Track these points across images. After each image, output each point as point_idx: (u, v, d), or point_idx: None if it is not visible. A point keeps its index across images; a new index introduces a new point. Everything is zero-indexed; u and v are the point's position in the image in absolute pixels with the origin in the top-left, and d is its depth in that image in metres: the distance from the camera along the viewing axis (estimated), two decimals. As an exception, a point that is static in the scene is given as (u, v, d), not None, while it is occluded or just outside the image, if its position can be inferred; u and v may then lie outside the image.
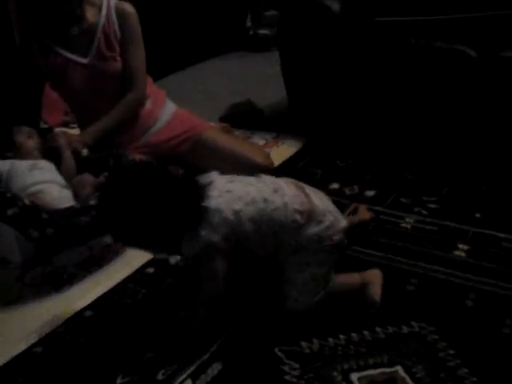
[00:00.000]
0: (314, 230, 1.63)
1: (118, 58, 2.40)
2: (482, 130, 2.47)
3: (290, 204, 1.61)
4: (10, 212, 1.81)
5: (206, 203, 1.53)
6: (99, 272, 1.98)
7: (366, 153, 2.71)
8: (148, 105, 2.50)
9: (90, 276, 1.97)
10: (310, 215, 1.63)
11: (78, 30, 2.36)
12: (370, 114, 2.69)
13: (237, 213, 1.55)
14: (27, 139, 2.31)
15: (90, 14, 2.37)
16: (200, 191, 1.54)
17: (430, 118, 2.56)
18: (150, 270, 1.98)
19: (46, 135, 2.41)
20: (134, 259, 2.03)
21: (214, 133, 2.52)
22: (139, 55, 2.42)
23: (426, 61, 2.51)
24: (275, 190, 1.63)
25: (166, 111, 2.53)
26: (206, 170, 2.32)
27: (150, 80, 2.56)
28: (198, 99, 3.52)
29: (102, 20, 2.37)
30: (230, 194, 1.58)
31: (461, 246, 2.05)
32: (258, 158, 2.42)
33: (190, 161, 2.50)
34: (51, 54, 2.36)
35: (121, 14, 2.39)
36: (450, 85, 2.48)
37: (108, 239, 2.05)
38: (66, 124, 3.16)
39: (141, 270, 1.98)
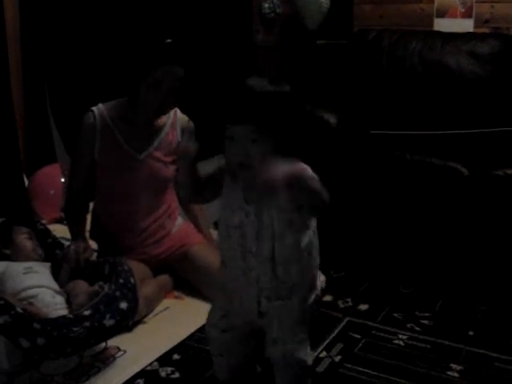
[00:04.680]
0: None
1: (170, 166, 2.47)
2: (474, 246, 2.50)
3: None
4: (1, 320, 1.79)
5: None
6: (87, 382, 1.93)
7: (360, 264, 2.73)
8: (168, 221, 2.55)
9: (77, 387, 1.93)
10: None
11: (145, 130, 2.43)
12: (364, 225, 2.73)
13: None
14: (26, 240, 2.33)
15: (159, 119, 2.45)
16: None
17: (423, 232, 2.60)
18: (140, 381, 1.95)
19: (42, 236, 2.43)
20: (123, 370, 2.00)
21: (201, 248, 2.53)
22: None
23: (419, 176, 2.58)
24: None
25: (175, 226, 2.58)
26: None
27: (173, 194, 2.59)
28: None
29: (167, 128, 2.47)
30: None
31: (454, 366, 2.04)
32: None
33: (178, 271, 2.55)
34: (112, 139, 2.39)
35: (186, 128, 2.50)
36: (442, 201, 2.53)
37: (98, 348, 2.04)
38: (62, 220, 3.18)
39: (130, 382, 1.94)
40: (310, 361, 1.68)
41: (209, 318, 1.75)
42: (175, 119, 2.50)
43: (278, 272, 1.55)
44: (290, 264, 1.56)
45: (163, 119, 2.47)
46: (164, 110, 2.41)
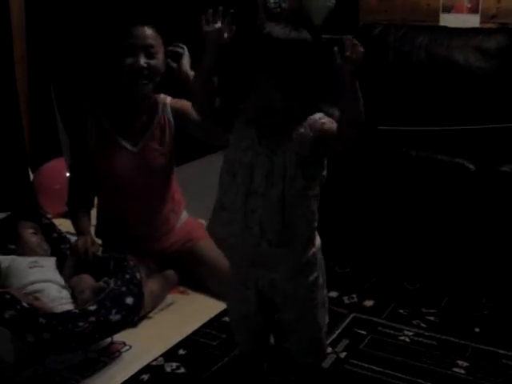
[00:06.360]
0: None
1: (166, 155, 2.45)
2: (480, 242, 2.49)
3: None
4: (7, 315, 1.79)
5: None
6: (93, 377, 1.94)
7: (365, 260, 2.72)
8: (172, 214, 2.54)
9: (82, 381, 1.92)
10: None
11: (137, 123, 2.42)
12: (370, 221, 2.72)
13: None
14: (32, 235, 2.33)
15: (150, 109, 2.44)
16: None
17: (429, 228, 2.59)
18: (145, 376, 1.95)
19: (47, 231, 2.44)
20: (129, 365, 2.00)
21: (207, 243, 2.49)
22: None
23: (425, 172, 2.57)
24: None
25: (180, 220, 2.58)
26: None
27: (176, 187, 2.60)
28: (197, 194, 3.50)
29: (158, 117, 2.45)
30: None
31: (460, 362, 2.03)
32: None
33: (183, 265, 2.54)
34: (105, 134, 2.39)
35: (176, 112, 2.47)
36: (448, 197, 2.53)
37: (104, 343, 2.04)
38: (67, 214, 3.17)
39: (136, 377, 1.95)
40: (324, 324, 1.69)
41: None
42: (165, 107, 2.47)
43: (286, 215, 1.52)
44: (297, 208, 1.53)
45: (153, 107, 2.45)
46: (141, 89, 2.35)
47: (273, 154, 1.52)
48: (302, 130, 1.53)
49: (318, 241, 1.65)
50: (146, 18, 2.38)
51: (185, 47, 2.43)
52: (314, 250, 1.62)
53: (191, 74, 2.36)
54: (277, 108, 1.49)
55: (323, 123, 1.53)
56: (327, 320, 1.72)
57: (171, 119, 2.47)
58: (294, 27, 1.49)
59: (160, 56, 2.34)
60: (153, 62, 2.31)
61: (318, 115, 1.55)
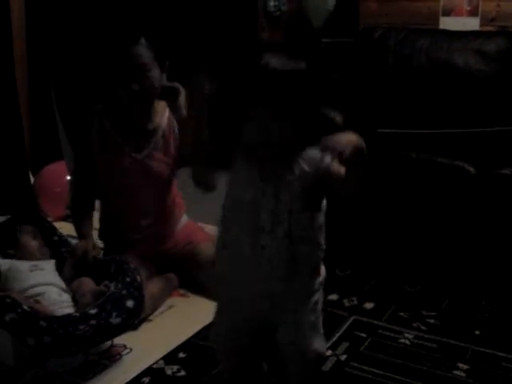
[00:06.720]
0: None
1: (170, 165, 2.45)
2: (480, 244, 2.49)
3: None
4: (7, 318, 1.79)
5: None
6: (93, 380, 1.94)
7: (366, 263, 2.73)
8: (173, 218, 2.55)
9: (83, 384, 1.93)
10: None
11: (141, 128, 2.42)
12: (370, 224, 2.73)
13: None
14: (31, 239, 2.33)
15: (155, 118, 2.44)
16: None
17: (429, 230, 2.59)
18: (146, 379, 1.95)
19: (48, 234, 2.44)
20: (129, 368, 2.00)
21: (207, 246, 2.49)
22: None
23: (426, 175, 2.58)
24: None
25: (180, 223, 2.59)
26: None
27: (178, 192, 2.60)
28: (197, 197, 3.50)
29: (163, 126, 2.44)
30: None
31: (460, 365, 2.04)
32: None
33: (183, 267, 2.55)
34: (108, 138, 2.39)
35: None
36: (449, 199, 2.53)
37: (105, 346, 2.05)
38: (68, 217, 3.18)
39: (136, 380, 1.95)
40: (324, 351, 1.68)
41: (215, 329, 1.72)
42: (170, 117, 2.47)
43: (293, 249, 1.51)
44: (304, 243, 1.52)
45: (158, 118, 2.45)
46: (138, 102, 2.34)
47: (278, 190, 1.50)
48: (304, 167, 1.50)
49: (323, 270, 1.64)
50: (138, 35, 2.33)
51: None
52: (320, 279, 1.61)
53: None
54: (274, 139, 1.45)
55: (326, 165, 1.47)
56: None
57: (177, 135, 2.47)
58: (290, 57, 1.46)
59: (154, 73, 2.31)
60: (146, 81, 2.29)
61: (318, 153, 1.50)
